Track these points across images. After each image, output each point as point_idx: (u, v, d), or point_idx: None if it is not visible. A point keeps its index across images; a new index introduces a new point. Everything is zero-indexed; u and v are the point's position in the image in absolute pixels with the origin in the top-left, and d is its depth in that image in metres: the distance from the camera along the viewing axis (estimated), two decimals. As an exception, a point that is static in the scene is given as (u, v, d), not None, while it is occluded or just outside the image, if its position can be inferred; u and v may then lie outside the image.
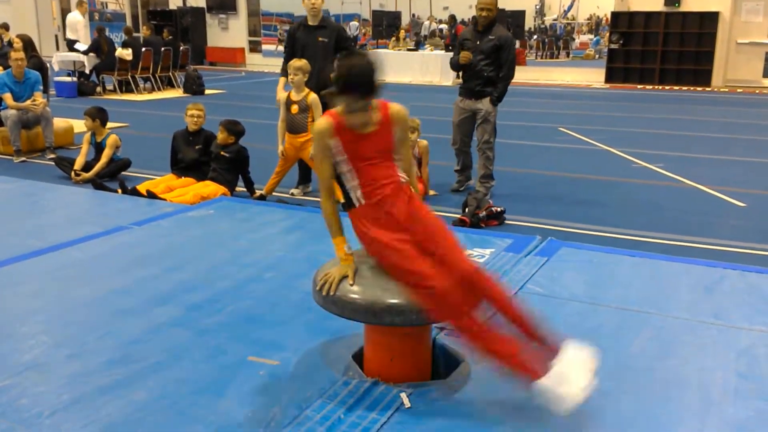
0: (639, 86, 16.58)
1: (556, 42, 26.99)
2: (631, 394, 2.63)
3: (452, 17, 22.62)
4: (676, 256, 4.43)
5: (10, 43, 10.62)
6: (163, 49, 14.62)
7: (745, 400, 2.59)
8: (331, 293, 2.53)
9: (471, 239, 4.37)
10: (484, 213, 5.37)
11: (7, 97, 7.85)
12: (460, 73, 6.46)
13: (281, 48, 6.57)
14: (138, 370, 2.79)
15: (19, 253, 4.17)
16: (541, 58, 25.94)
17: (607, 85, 17.03)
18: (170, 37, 15.34)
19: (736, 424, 2.46)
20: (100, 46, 13.93)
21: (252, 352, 2.93)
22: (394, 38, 19.73)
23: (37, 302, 3.50)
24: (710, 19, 16.08)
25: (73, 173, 6.77)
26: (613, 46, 17.28)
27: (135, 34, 15.24)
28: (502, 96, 6.15)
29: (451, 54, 6.59)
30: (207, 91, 14.53)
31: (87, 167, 6.84)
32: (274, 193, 6.17)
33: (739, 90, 15.77)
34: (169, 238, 4.55)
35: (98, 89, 14.12)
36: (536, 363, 2.37)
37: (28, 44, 9.70)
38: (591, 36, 27.70)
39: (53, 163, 7.21)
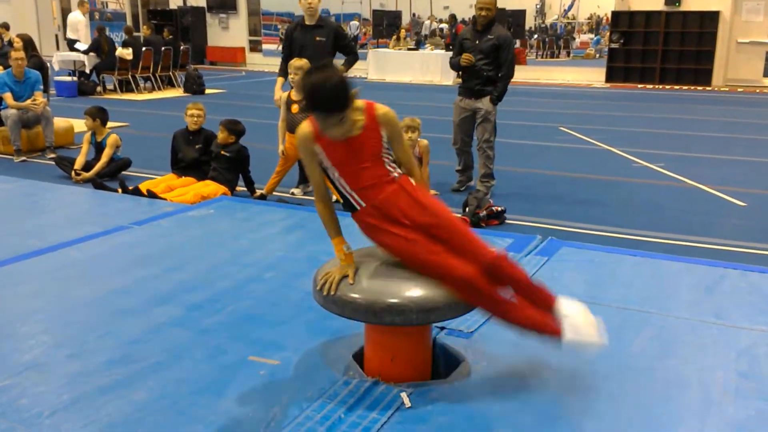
0: (639, 86, 16.58)
1: (556, 41, 26.99)
2: (632, 394, 2.62)
3: (452, 17, 22.65)
4: (676, 255, 4.43)
5: (10, 43, 10.62)
6: (163, 48, 14.62)
7: (745, 400, 2.59)
8: (332, 293, 2.53)
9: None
10: (484, 212, 5.37)
11: (8, 97, 7.85)
12: (460, 73, 6.46)
13: (281, 47, 6.57)
14: (138, 370, 2.79)
15: (20, 253, 4.16)
16: (542, 57, 25.96)
17: (608, 85, 17.03)
18: (170, 37, 15.34)
19: (736, 423, 2.46)
20: (101, 46, 13.94)
21: (252, 352, 2.93)
22: (394, 38, 19.73)
23: (37, 302, 3.49)
24: (711, 18, 16.08)
25: (73, 173, 6.77)
26: (613, 45, 17.28)
27: (135, 34, 15.25)
28: (502, 95, 6.15)
29: (451, 53, 6.59)
30: (207, 91, 14.53)
31: (87, 167, 6.84)
32: (274, 193, 6.17)
33: (739, 89, 15.77)
34: (169, 237, 4.55)
35: (98, 89, 14.12)
36: (554, 323, 2.55)
37: (28, 44, 9.72)
38: (591, 35, 27.73)
39: (53, 163, 7.22)
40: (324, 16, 6.43)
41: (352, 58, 6.40)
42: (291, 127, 5.92)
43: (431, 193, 2.60)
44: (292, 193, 6.28)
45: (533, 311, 2.55)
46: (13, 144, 7.87)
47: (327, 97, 2.37)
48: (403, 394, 2.53)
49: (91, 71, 14.22)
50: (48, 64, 10.20)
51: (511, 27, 18.08)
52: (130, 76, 14.03)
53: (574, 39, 28.02)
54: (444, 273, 2.46)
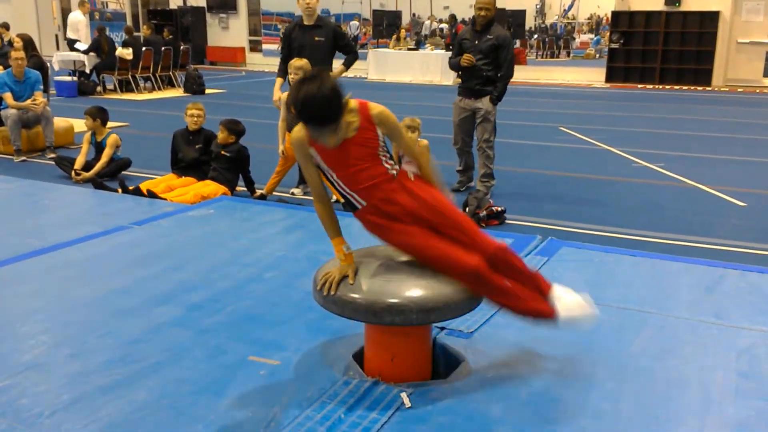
0: (639, 86, 16.58)
1: (556, 41, 27.00)
2: (632, 394, 2.62)
3: (452, 17, 22.66)
4: (676, 255, 4.43)
5: (10, 43, 10.62)
6: (163, 48, 14.61)
7: (745, 400, 2.59)
8: (332, 293, 2.53)
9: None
10: (484, 212, 5.37)
11: (8, 97, 7.85)
12: (460, 73, 6.46)
13: (280, 48, 6.56)
14: (138, 370, 2.79)
15: (20, 253, 4.16)
16: (542, 57, 25.96)
17: (608, 85, 17.03)
18: (170, 37, 15.34)
19: (736, 423, 2.46)
20: (101, 46, 13.93)
21: (252, 352, 2.93)
22: (394, 37, 19.74)
23: (38, 302, 3.50)
24: (711, 18, 16.08)
25: (73, 173, 6.77)
26: (613, 45, 17.28)
27: (135, 34, 15.25)
28: (501, 95, 6.15)
29: (451, 53, 6.58)
30: (207, 91, 14.53)
31: (87, 167, 6.84)
32: (274, 193, 6.17)
33: (739, 89, 15.77)
34: (169, 237, 4.55)
35: (98, 89, 14.12)
36: (550, 306, 2.65)
37: (28, 44, 9.71)
38: (591, 35, 27.74)
39: (53, 163, 7.22)
40: (322, 16, 6.43)
41: (351, 58, 6.40)
42: (291, 127, 5.92)
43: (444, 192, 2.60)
44: (292, 193, 6.28)
45: (532, 297, 2.64)
46: (13, 144, 7.87)
47: (318, 110, 2.35)
48: (403, 394, 2.53)
49: (91, 71, 14.22)
50: (48, 64, 10.20)
51: (511, 27, 18.09)
52: (130, 76, 14.03)
53: (574, 39, 28.02)
54: (450, 264, 2.50)
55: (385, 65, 18.22)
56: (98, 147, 7.00)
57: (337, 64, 6.32)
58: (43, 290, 3.65)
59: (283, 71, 6.24)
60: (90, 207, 5.58)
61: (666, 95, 15.16)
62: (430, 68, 17.41)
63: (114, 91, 14.14)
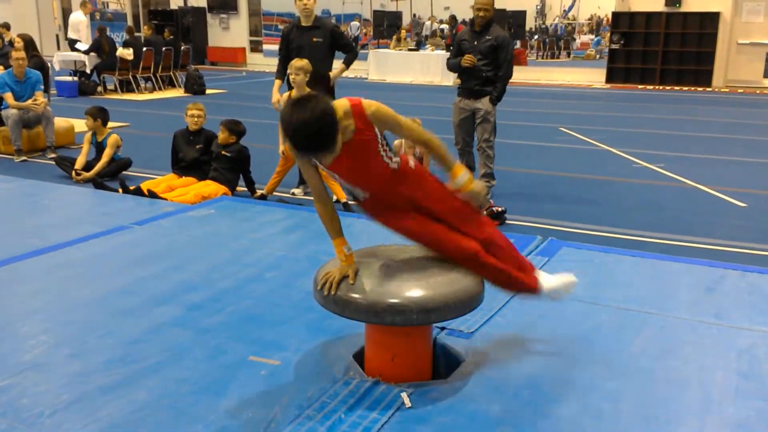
0: (640, 86, 16.58)
1: (557, 42, 26.99)
2: (632, 394, 2.62)
3: (453, 17, 22.65)
4: (676, 256, 4.43)
5: (11, 43, 10.62)
6: (164, 48, 14.61)
7: (745, 400, 2.59)
8: (332, 293, 2.53)
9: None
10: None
11: (8, 97, 7.85)
12: (459, 73, 6.45)
13: (278, 49, 6.55)
14: (138, 370, 2.79)
15: (20, 253, 4.16)
16: (542, 58, 25.95)
17: (608, 86, 17.03)
18: (171, 37, 15.35)
19: (736, 423, 2.46)
20: (101, 46, 13.94)
21: (253, 352, 2.93)
22: (395, 38, 19.74)
23: (38, 302, 3.50)
24: (711, 19, 16.08)
25: (73, 173, 6.78)
26: (614, 46, 17.28)
27: (136, 34, 15.25)
28: (501, 95, 6.15)
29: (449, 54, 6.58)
30: (208, 91, 14.53)
31: (88, 167, 6.85)
32: (275, 193, 6.17)
33: (739, 90, 15.77)
34: (169, 237, 4.55)
35: (99, 89, 14.13)
36: (536, 282, 2.83)
37: (29, 44, 9.71)
38: (592, 36, 27.71)
39: (54, 163, 7.22)
40: (320, 17, 6.42)
41: (351, 56, 6.39)
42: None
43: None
44: (293, 194, 6.28)
45: (521, 277, 2.80)
46: (14, 144, 7.88)
47: (310, 141, 2.31)
48: (404, 394, 2.54)
49: (91, 71, 14.22)
50: (49, 64, 10.19)
51: (511, 28, 18.10)
52: (130, 76, 14.03)
53: (575, 40, 28.00)
54: (450, 249, 2.63)
55: (385, 66, 18.22)
56: (99, 147, 7.00)
57: (338, 63, 6.32)
58: (43, 290, 3.65)
59: (281, 72, 6.23)
60: (90, 207, 5.58)
61: (666, 96, 15.16)
62: (431, 69, 17.41)
63: (114, 91, 14.15)
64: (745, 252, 4.87)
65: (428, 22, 25.55)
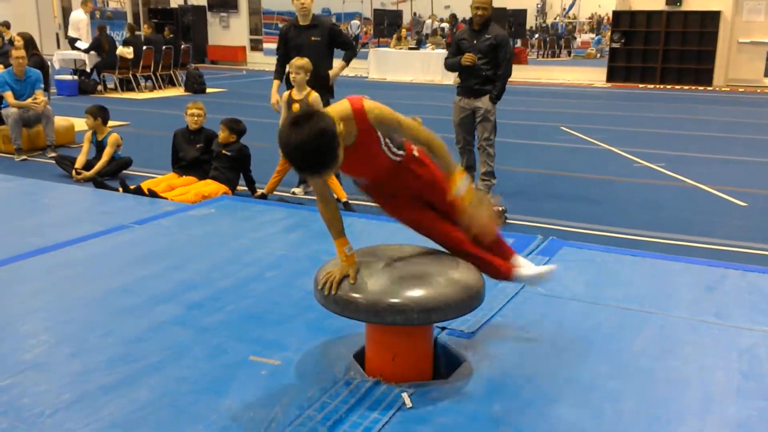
0: (640, 85, 16.57)
1: (557, 41, 27.00)
2: (632, 394, 2.62)
3: (453, 16, 22.65)
4: (677, 255, 4.43)
5: (11, 42, 10.62)
6: (164, 47, 14.60)
7: (746, 400, 2.59)
8: (333, 292, 2.53)
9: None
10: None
11: (8, 96, 7.85)
12: (458, 73, 6.45)
13: (276, 49, 6.53)
14: (139, 369, 2.79)
15: (20, 252, 4.17)
16: (543, 57, 25.96)
17: (609, 84, 17.03)
18: (171, 36, 15.33)
19: (737, 423, 2.46)
20: (101, 45, 13.92)
21: (253, 352, 2.93)
22: (395, 37, 19.73)
23: (38, 301, 3.50)
24: (712, 18, 16.07)
25: (74, 172, 6.78)
26: (614, 45, 17.28)
27: (136, 33, 15.24)
28: (500, 94, 6.15)
29: (448, 53, 6.57)
30: (208, 90, 14.53)
31: (88, 166, 6.85)
32: (275, 192, 6.17)
33: (740, 89, 15.76)
34: (170, 236, 4.55)
35: (99, 88, 14.12)
36: (514, 268, 2.94)
37: (29, 42, 9.71)
38: (592, 35, 27.72)
39: (54, 162, 7.22)
40: (317, 15, 6.41)
41: (350, 53, 6.38)
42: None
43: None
44: (293, 193, 6.28)
45: (502, 263, 2.91)
46: (14, 143, 7.87)
47: (309, 162, 2.27)
48: (404, 395, 2.54)
49: (91, 70, 14.21)
50: (49, 63, 10.19)
51: (512, 26, 18.09)
52: (130, 75, 14.03)
53: (575, 38, 28.01)
54: (442, 238, 2.78)
55: (386, 65, 18.21)
56: (99, 146, 7.00)
57: (337, 62, 6.31)
58: (43, 289, 3.65)
59: (279, 73, 6.22)
60: (91, 206, 5.58)
61: (667, 95, 15.16)
62: (431, 68, 17.40)
63: (115, 90, 14.14)
64: (746, 251, 4.87)
65: (429, 21, 25.56)
